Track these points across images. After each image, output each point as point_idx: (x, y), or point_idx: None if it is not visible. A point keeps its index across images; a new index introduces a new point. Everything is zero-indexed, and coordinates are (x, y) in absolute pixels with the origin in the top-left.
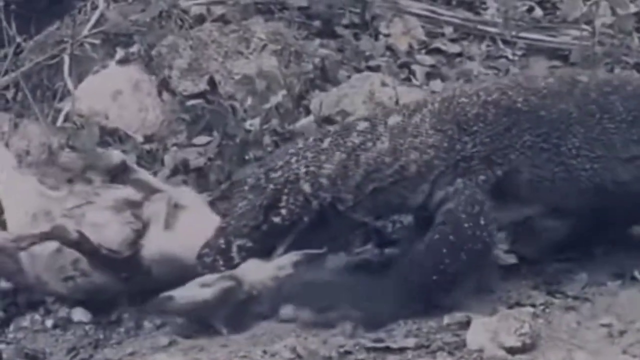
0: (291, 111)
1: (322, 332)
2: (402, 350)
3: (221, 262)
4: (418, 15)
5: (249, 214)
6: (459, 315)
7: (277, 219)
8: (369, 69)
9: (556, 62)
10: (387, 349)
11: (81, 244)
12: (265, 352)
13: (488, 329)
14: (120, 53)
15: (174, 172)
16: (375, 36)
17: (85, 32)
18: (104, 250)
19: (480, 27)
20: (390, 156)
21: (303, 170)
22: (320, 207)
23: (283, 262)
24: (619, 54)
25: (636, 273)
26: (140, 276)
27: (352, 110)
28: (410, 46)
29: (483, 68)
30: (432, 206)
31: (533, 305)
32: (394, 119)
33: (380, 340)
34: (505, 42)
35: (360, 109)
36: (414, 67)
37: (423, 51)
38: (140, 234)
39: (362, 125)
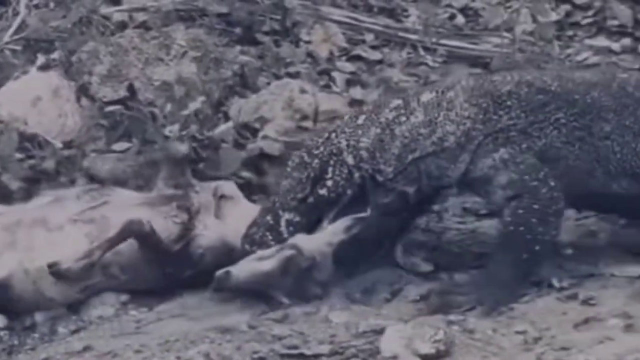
0: (210, 117)
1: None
2: (316, 357)
3: (270, 238)
4: (339, 22)
5: (295, 188)
6: (373, 323)
7: (323, 191)
8: (289, 75)
9: (477, 70)
10: (301, 356)
11: (151, 237)
12: (179, 357)
13: (402, 336)
14: (41, 59)
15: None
16: (296, 43)
17: (6, 38)
18: (165, 243)
19: (401, 34)
20: (426, 128)
21: (344, 143)
22: (361, 180)
23: (335, 228)
24: (539, 61)
25: (554, 280)
26: (189, 269)
27: (271, 117)
28: (331, 53)
29: (403, 75)
30: (476, 174)
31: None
32: (426, 96)
33: (295, 347)
34: (426, 49)
35: (279, 116)
36: (334, 74)
37: (343, 58)
38: (188, 226)
39: (395, 102)
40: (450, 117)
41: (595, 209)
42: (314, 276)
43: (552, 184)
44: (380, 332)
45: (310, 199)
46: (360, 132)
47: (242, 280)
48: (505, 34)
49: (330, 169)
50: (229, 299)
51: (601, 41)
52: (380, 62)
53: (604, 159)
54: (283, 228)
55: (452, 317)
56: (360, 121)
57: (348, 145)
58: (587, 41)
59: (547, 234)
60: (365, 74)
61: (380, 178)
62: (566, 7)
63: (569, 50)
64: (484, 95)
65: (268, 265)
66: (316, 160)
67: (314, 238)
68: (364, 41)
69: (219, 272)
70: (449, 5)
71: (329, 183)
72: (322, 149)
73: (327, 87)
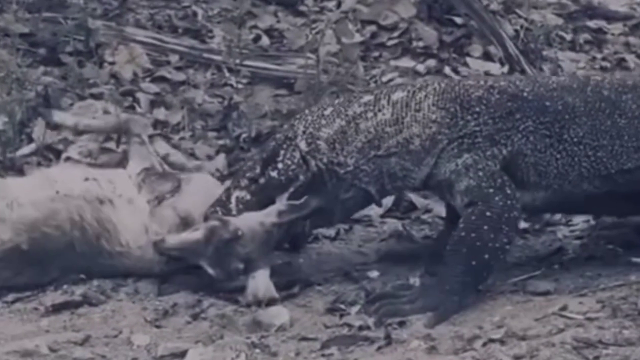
0: (13, 139)
1: None
2: None
3: (219, 213)
4: (143, 43)
5: (249, 168)
6: (173, 346)
7: (273, 173)
8: (93, 96)
9: (282, 91)
10: None
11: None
12: None
13: (204, 359)
14: None
15: None
16: (100, 64)
17: None
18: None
19: (206, 55)
20: (392, 127)
21: (301, 129)
22: (317, 170)
23: (269, 210)
24: (344, 82)
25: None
26: None
27: (74, 138)
28: (135, 74)
29: (208, 96)
30: (439, 178)
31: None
32: (397, 94)
33: None
34: (230, 70)
35: (83, 138)
36: (138, 95)
37: (148, 79)
38: None
39: (366, 98)
40: (417, 119)
41: (564, 211)
42: (236, 250)
43: (509, 192)
44: (181, 355)
45: (261, 180)
46: (323, 122)
47: (173, 246)
48: (309, 55)
49: (282, 152)
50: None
51: (406, 62)
52: (184, 83)
53: (577, 163)
54: (233, 205)
55: (254, 339)
56: (326, 112)
57: (304, 132)
58: (393, 62)
59: (497, 241)
60: (170, 95)
61: (340, 170)
62: (372, 28)
63: (374, 72)
64: (454, 100)
65: (196, 234)
66: (272, 143)
67: (247, 215)
68: (168, 62)
69: (155, 238)
70: (254, 27)
71: (280, 165)
72: (281, 133)
73: (131, 108)
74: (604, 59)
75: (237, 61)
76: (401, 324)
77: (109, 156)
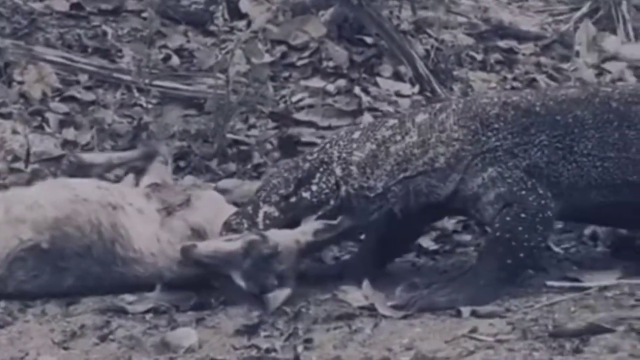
0: None
1: None
2: None
3: (245, 226)
4: (53, 63)
5: (281, 185)
6: None
7: (306, 194)
8: (1, 116)
9: (192, 111)
10: None
11: None
12: None
13: None
14: None
15: None
16: (9, 83)
17: None
18: None
19: (116, 75)
20: (419, 148)
21: (336, 154)
22: (346, 194)
23: (305, 229)
24: (253, 102)
25: None
26: None
27: None
28: (44, 94)
29: (117, 116)
30: (466, 193)
31: None
32: (421, 117)
33: None
34: (140, 90)
35: None
36: (47, 114)
37: (57, 99)
38: None
39: (391, 122)
40: (442, 139)
41: (574, 219)
42: (273, 266)
43: (541, 192)
44: None
45: (293, 199)
46: (354, 145)
47: (204, 254)
48: (219, 75)
49: (318, 175)
50: None
51: (316, 82)
52: (94, 102)
53: (586, 174)
54: (260, 219)
55: None
56: (355, 136)
57: (339, 157)
58: (303, 82)
59: (532, 240)
60: (79, 115)
61: (369, 194)
62: (282, 48)
63: (284, 92)
64: (473, 118)
65: (232, 245)
66: (307, 164)
67: (283, 232)
68: (78, 82)
69: (186, 244)
70: (164, 46)
71: (314, 188)
72: (315, 155)
73: (39, 128)
74: (514, 79)
75: (147, 81)
76: (308, 346)
77: (17, 176)
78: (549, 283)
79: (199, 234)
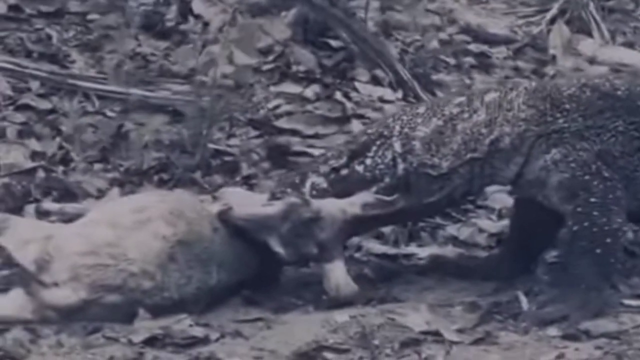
0: None
1: None
2: None
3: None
4: (0, 69)
5: (334, 156)
6: None
7: (359, 167)
8: None
9: (163, 117)
10: None
11: None
12: None
13: None
14: None
15: None
16: None
17: None
18: None
19: (71, 81)
20: (486, 128)
21: (397, 129)
22: (404, 173)
23: (353, 200)
24: (238, 109)
25: None
26: None
27: None
28: None
29: (83, 125)
30: (529, 177)
31: None
32: (490, 95)
33: None
34: (100, 97)
35: None
36: (4, 124)
37: (11, 107)
38: None
39: (458, 99)
40: (508, 118)
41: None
42: (314, 232)
43: (606, 174)
44: None
45: (344, 171)
46: (419, 120)
47: (241, 217)
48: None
49: (374, 148)
50: None
51: (288, 87)
52: (53, 111)
53: None
54: (306, 189)
55: None
56: (421, 110)
57: (400, 132)
58: (273, 88)
59: (612, 222)
60: (39, 124)
61: (433, 173)
62: None
63: (254, 98)
64: (544, 98)
65: (271, 209)
66: (364, 137)
67: (329, 200)
68: (29, 89)
69: (222, 207)
70: (114, 51)
71: (368, 161)
72: (374, 128)
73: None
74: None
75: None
76: None
77: None
78: (627, 302)
79: None
